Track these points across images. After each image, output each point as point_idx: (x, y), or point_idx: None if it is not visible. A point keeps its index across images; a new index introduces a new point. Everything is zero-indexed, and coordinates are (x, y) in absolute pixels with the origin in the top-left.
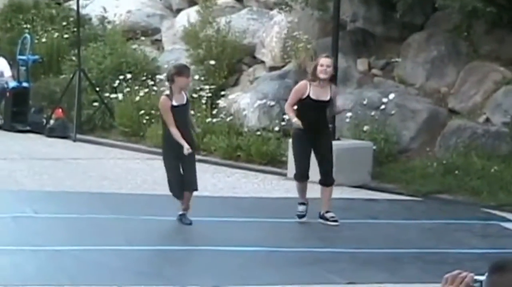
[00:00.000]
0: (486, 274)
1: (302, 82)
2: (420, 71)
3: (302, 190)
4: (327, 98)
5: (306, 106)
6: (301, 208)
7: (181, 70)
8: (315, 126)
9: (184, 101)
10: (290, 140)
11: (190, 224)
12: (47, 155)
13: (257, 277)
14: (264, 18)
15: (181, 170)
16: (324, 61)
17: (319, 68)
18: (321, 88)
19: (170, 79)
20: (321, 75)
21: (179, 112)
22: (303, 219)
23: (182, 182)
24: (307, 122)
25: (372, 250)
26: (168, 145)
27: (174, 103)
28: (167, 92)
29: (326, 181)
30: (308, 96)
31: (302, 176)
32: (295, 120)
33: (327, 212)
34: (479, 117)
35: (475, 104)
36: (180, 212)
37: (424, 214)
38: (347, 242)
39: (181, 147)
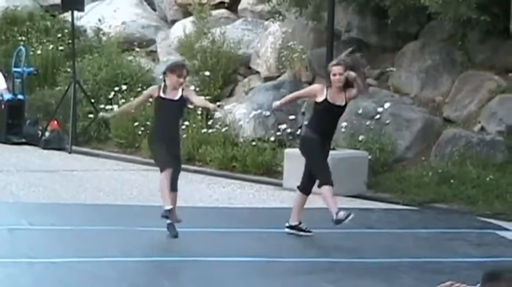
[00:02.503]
0: (479, 283)
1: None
2: (414, 80)
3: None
4: (343, 103)
5: (321, 112)
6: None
7: (172, 68)
8: (326, 136)
9: (176, 98)
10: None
11: (176, 236)
12: (43, 167)
13: None
14: (259, 28)
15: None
16: (336, 70)
17: (332, 78)
18: (337, 94)
19: (164, 74)
20: (336, 84)
21: (166, 106)
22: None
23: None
24: (322, 130)
25: (368, 260)
26: (156, 138)
27: (162, 95)
28: (161, 84)
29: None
30: (326, 99)
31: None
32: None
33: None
34: (474, 126)
35: (470, 113)
36: (168, 221)
37: (419, 223)
38: (343, 251)
39: (169, 145)
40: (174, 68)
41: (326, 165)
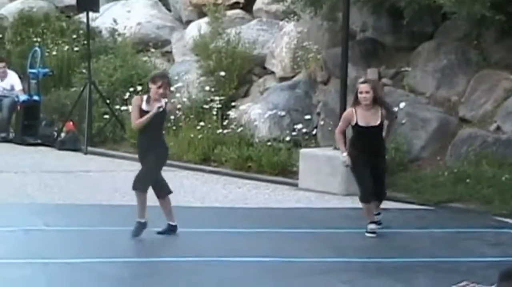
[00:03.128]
0: (495, 284)
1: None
2: (430, 80)
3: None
4: (377, 123)
5: (357, 133)
6: (373, 226)
7: (153, 78)
8: (370, 151)
9: (153, 110)
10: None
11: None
12: (58, 168)
13: None
14: (274, 28)
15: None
16: (362, 88)
17: (359, 95)
18: (368, 112)
19: (147, 85)
20: (363, 102)
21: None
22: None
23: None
24: (362, 147)
25: (384, 259)
26: (139, 153)
27: (144, 107)
28: (144, 95)
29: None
30: (356, 123)
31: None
32: (344, 155)
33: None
34: (489, 126)
35: (485, 113)
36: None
37: (435, 223)
38: (358, 251)
39: (149, 155)
40: (154, 79)
41: (365, 182)
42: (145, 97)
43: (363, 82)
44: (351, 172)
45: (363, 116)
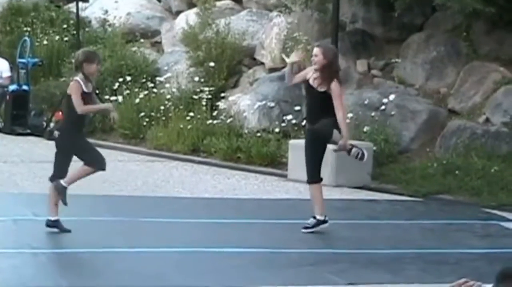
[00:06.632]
0: (493, 284)
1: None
2: (419, 71)
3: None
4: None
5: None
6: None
7: (91, 57)
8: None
9: (91, 90)
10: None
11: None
12: (47, 158)
13: (257, 278)
14: (264, 19)
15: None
16: (314, 51)
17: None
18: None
19: (79, 66)
20: (313, 66)
21: (87, 100)
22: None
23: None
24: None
25: (373, 251)
26: (72, 137)
27: (85, 89)
28: (77, 78)
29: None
30: (307, 80)
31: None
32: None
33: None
34: (479, 118)
35: (474, 105)
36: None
37: (424, 214)
38: (347, 242)
39: (78, 137)
40: (92, 57)
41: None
42: (80, 80)
43: (316, 46)
44: None
45: (314, 78)
